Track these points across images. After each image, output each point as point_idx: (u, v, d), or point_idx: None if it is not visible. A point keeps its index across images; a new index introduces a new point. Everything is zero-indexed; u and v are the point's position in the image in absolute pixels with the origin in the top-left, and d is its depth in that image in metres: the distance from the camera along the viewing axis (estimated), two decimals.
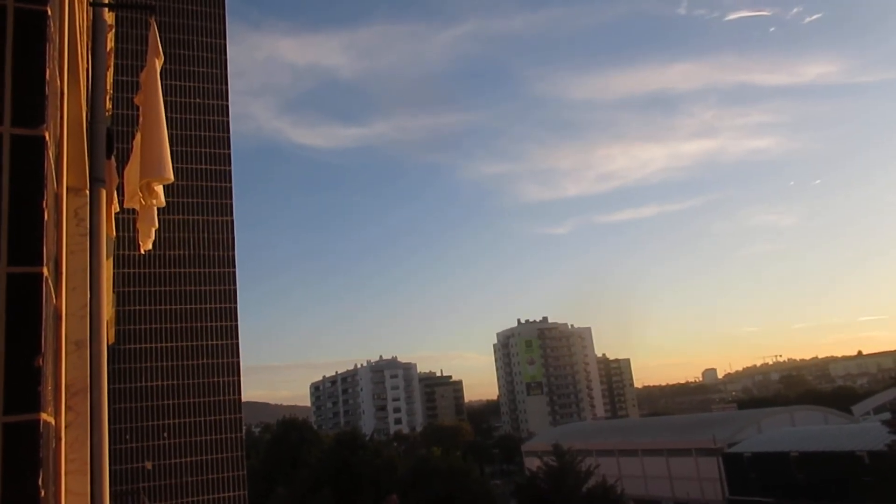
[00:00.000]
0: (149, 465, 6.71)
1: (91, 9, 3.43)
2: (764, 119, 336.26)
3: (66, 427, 2.28)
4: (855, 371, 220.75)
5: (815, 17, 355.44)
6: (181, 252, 7.32)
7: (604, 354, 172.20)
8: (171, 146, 3.56)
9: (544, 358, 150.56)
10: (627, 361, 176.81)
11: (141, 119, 3.63)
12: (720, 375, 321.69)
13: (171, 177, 3.40)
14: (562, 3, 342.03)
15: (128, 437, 6.68)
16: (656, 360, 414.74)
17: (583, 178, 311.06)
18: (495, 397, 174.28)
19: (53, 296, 1.40)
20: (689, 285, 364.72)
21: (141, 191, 3.62)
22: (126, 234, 6.80)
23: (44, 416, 1.10)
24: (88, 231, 2.77)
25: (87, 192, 2.84)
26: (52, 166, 1.37)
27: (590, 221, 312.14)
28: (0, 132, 1.14)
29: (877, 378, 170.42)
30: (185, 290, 7.24)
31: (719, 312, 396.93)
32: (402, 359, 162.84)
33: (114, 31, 4.21)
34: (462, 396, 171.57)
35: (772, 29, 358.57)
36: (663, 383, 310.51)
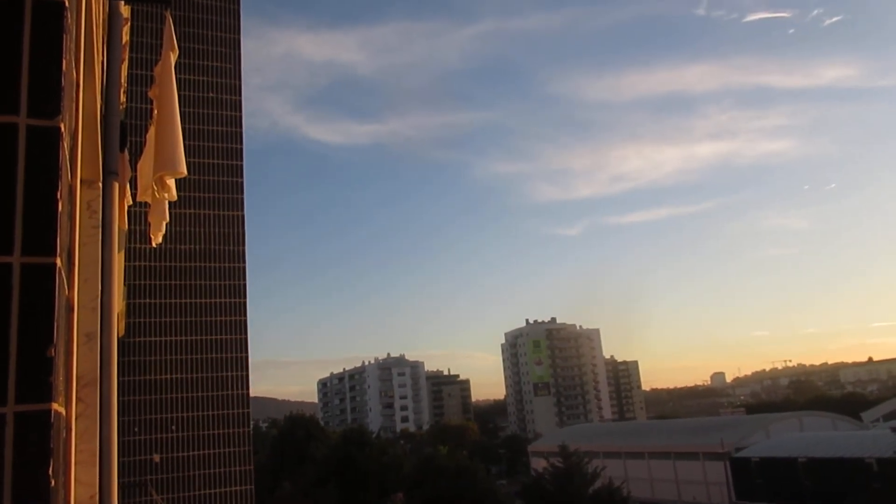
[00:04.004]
0: (157, 457, 6.74)
1: (107, 1, 3.45)
2: (780, 122, 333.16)
3: (76, 418, 2.29)
4: (865, 377, 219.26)
5: (835, 19, 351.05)
6: (192, 246, 7.35)
7: (612, 356, 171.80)
8: (183, 140, 3.57)
9: (552, 359, 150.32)
10: (635, 363, 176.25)
11: (155, 113, 3.64)
12: (729, 379, 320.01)
13: (185, 171, 3.41)
14: (579, 3, 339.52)
15: (136, 429, 6.72)
16: (664, 362, 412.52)
17: (595, 178, 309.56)
18: (502, 397, 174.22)
19: (66, 287, 1.41)
20: (699, 288, 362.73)
21: (154, 184, 3.64)
22: (138, 228, 6.83)
23: (55, 406, 1.10)
24: (101, 223, 2.78)
25: (101, 184, 2.84)
26: (67, 158, 1.37)
27: (601, 222, 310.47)
28: (16, 123, 1.14)
29: (887, 385, 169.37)
30: (195, 284, 7.28)
31: (729, 316, 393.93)
32: (410, 357, 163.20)
33: (129, 24, 4.22)
34: (469, 396, 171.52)
35: (791, 31, 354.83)
36: (671, 386, 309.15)
